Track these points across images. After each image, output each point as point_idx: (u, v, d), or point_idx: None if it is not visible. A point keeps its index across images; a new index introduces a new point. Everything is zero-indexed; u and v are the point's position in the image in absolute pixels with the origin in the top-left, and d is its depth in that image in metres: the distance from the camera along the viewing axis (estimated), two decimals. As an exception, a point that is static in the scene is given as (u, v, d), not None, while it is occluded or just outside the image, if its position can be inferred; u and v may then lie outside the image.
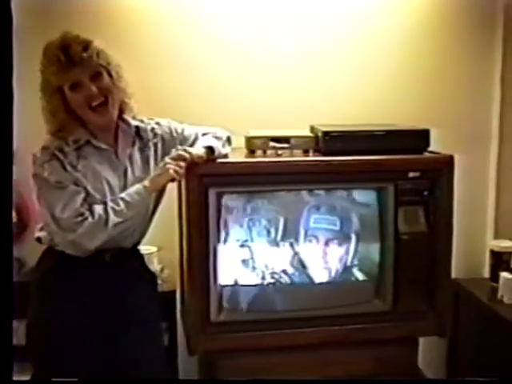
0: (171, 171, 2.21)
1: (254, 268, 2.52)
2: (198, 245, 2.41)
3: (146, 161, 2.31)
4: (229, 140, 2.50)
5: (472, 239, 3.26)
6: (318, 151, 2.59)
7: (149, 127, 2.36)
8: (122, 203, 2.18)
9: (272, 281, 2.54)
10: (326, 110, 3.00)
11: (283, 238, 2.51)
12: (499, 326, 2.85)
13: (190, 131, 2.44)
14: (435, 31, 3.16)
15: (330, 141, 2.56)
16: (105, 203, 2.18)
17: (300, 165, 2.49)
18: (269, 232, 2.50)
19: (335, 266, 2.57)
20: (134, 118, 2.34)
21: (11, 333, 1.42)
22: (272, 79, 3.03)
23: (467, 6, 3.14)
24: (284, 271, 2.55)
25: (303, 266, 2.56)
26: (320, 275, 2.57)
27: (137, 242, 2.38)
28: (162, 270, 2.90)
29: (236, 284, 2.51)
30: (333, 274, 2.58)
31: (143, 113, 2.38)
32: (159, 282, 2.65)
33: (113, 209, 2.16)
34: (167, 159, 2.24)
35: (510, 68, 3.22)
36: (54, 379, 2.18)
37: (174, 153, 2.26)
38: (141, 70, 2.78)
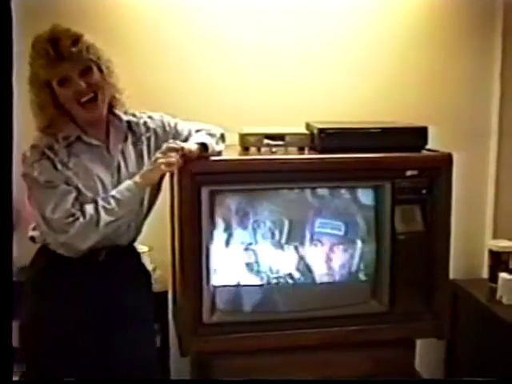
0: (162, 166, 2.20)
1: (258, 272, 2.52)
2: (191, 244, 2.40)
3: (139, 155, 2.30)
4: (223, 137, 2.49)
5: (470, 239, 3.26)
6: (313, 149, 2.58)
7: (141, 121, 2.35)
8: (112, 201, 2.16)
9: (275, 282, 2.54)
10: (321, 106, 3.00)
11: (288, 241, 2.51)
12: (498, 328, 2.85)
13: (183, 126, 2.43)
14: (434, 28, 3.16)
15: (325, 138, 2.55)
16: (96, 202, 2.16)
17: (295, 163, 2.49)
18: (273, 234, 2.50)
19: (340, 271, 2.57)
20: (125, 112, 2.32)
21: (11, 333, 1.41)
22: (267, 75, 3.03)
23: (467, 2, 3.14)
24: (290, 275, 2.55)
25: (309, 270, 2.56)
26: (324, 280, 2.57)
27: (132, 239, 2.37)
28: (153, 270, 2.88)
29: (229, 284, 2.50)
30: (337, 279, 2.58)
31: (136, 109, 2.37)
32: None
33: (104, 208, 2.15)
34: (158, 154, 2.23)
35: (510, 64, 3.22)
36: (51, 379, 2.18)
37: (164, 147, 2.25)
38: (134, 67, 2.80)
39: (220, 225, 2.45)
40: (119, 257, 2.28)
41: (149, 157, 2.30)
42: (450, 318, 2.75)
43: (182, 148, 2.25)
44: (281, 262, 2.53)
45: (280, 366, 2.52)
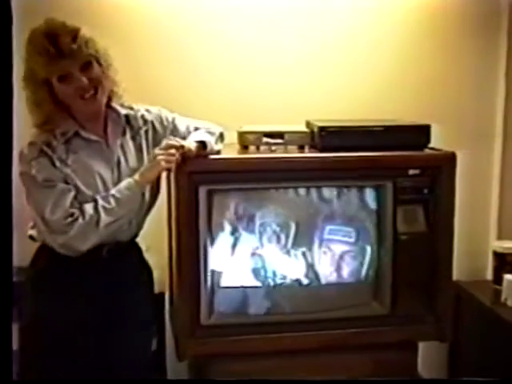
0: (162, 162, 2.19)
1: (263, 276, 2.52)
2: (188, 245, 2.39)
3: (139, 149, 2.30)
4: (222, 136, 2.49)
5: (474, 240, 3.25)
6: (313, 147, 2.57)
7: (138, 114, 2.35)
8: (112, 201, 2.16)
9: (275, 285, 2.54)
10: (322, 104, 2.98)
11: (294, 246, 2.51)
12: (503, 330, 2.84)
13: (181, 122, 2.42)
14: (437, 25, 3.14)
15: (326, 136, 2.54)
16: (95, 201, 2.16)
17: (295, 161, 2.48)
18: (279, 238, 2.50)
19: (349, 279, 2.57)
20: (122, 105, 2.32)
21: (11, 332, 1.42)
22: (266, 73, 3.02)
23: (472, 1, 3.13)
24: (297, 280, 2.55)
25: (317, 278, 2.55)
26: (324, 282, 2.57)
27: (135, 234, 2.36)
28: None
29: (228, 286, 2.49)
30: (338, 281, 2.58)
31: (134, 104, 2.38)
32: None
33: (104, 207, 2.14)
34: (157, 150, 2.22)
35: (516, 63, 3.21)
36: (51, 379, 2.18)
37: (163, 143, 2.24)
38: (134, 62, 2.80)
39: (219, 225, 2.44)
40: (121, 253, 2.28)
41: (148, 151, 2.30)
42: (453, 321, 2.74)
43: (182, 146, 2.24)
44: (287, 268, 2.53)
45: (280, 369, 2.51)
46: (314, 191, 2.51)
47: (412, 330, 2.59)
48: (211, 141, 2.38)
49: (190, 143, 2.30)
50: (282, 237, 2.50)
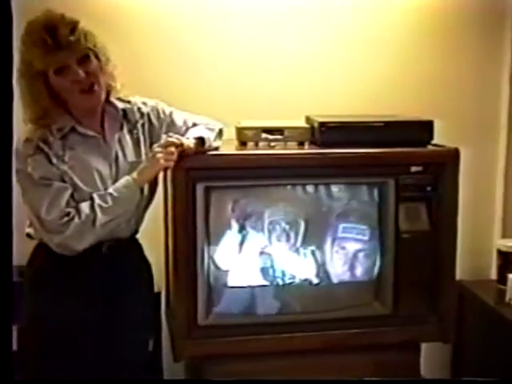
0: (162, 161, 2.19)
1: (274, 277, 2.52)
2: (185, 243, 2.39)
3: (136, 143, 2.30)
4: (221, 133, 2.47)
5: (478, 238, 3.25)
6: (313, 143, 2.56)
7: (135, 107, 2.34)
8: (109, 199, 2.15)
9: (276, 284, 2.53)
10: (322, 99, 2.98)
11: (303, 245, 2.50)
12: (507, 331, 2.83)
13: (178, 116, 2.41)
14: (440, 20, 3.13)
15: (326, 132, 2.53)
16: (92, 199, 2.15)
17: (294, 158, 2.47)
18: (288, 236, 2.49)
19: (362, 277, 2.57)
20: (119, 99, 2.31)
21: (11, 332, 1.42)
22: (266, 67, 3.02)
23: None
24: (307, 280, 2.54)
25: (328, 277, 2.55)
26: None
27: (134, 230, 2.36)
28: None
29: (225, 285, 2.49)
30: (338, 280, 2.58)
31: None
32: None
33: (100, 206, 2.14)
34: (156, 148, 2.21)
35: (520, 56, 3.20)
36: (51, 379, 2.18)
37: (163, 140, 2.23)
38: (133, 58, 2.80)
39: (218, 223, 2.43)
40: (121, 250, 2.28)
41: (145, 144, 2.30)
42: (457, 321, 2.75)
43: (182, 144, 2.23)
44: (296, 267, 2.53)
45: (280, 370, 2.49)
46: (322, 188, 2.51)
47: (414, 331, 2.59)
48: (210, 137, 2.37)
49: (189, 140, 2.29)
50: (292, 235, 2.50)
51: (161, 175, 2.46)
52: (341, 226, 2.51)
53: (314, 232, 2.51)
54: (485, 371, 2.96)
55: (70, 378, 2.18)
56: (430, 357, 2.95)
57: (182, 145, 2.23)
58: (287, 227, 2.49)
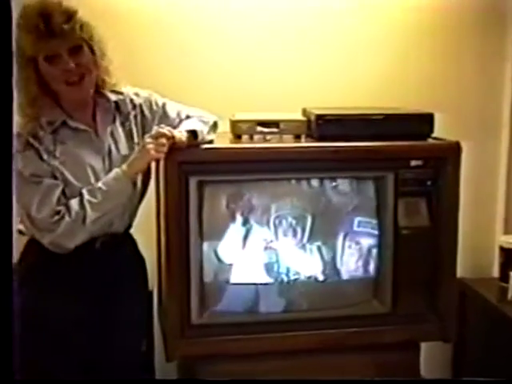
0: (152, 152, 2.18)
1: (278, 273, 2.51)
2: (178, 239, 2.37)
3: (129, 136, 2.30)
4: (215, 125, 2.46)
5: (479, 234, 3.25)
6: (310, 137, 2.56)
7: (127, 99, 2.34)
8: (99, 194, 2.15)
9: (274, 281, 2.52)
10: (320, 91, 2.97)
11: (310, 240, 2.50)
12: (509, 330, 2.83)
13: (171, 108, 2.40)
14: (442, 14, 3.11)
15: (323, 125, 2.53)
16: (81, 194, 2.14)
17: (290, 152, 2.46)
18: (295, 231, 2.48)
19: (373, 274, 2.56)
20: (112, 90, 2.30)
21: (11, 331, 1.41)
22: (261, 58, 3.00)
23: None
24: (313, 277, 2.54)
25: (337, 274, 2.55)
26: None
27: (128, 225, 2.36)
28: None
29: (220, 282, 2.48)
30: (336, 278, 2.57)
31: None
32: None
33: (90, 202, 2.13)
34: (147, 139, 2.20)
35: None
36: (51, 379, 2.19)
37: (154, 131, 2.22)
38: (127, 49, 2.78)
39: (210, 218, 2.42)
40: (115, 246, 2.29)
41: (138, 136, 2.29)
42: (458, 320, 2.75)
43: (173, 136, 2.22)
44: (302, 263, 2.52)
45: (276, 370, 2.49)
46: (328, 182, 2.51)
47: (414, 330, 2.58)
48: (203, 130, 2.35)
49: (182, 133, 2.28)
50: (299, 230, 2.49)
51: (153, 169, 2.45)
52: (356, 219, 2.51)
53: (322, 227, 2.51)
54: (487, 371, 2.96)
55: (62, 375, 2.18)
56: (431, 357, 2.96)
57: (173, 137, 2.22)
58: (294, 222, 2.48)
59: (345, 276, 2.55)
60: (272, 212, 2.47)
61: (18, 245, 2.25)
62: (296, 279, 2.53)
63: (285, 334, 2.50)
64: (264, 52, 3.00)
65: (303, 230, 2.49)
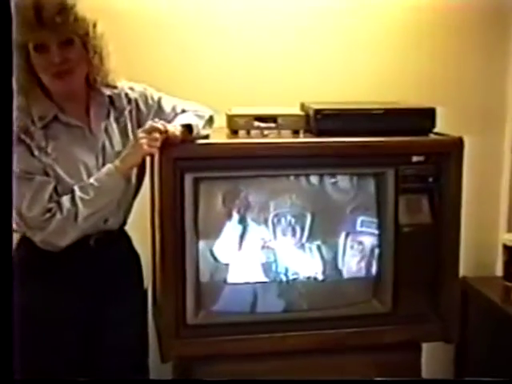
0: (145, 146, 2.17)
1: (277, 273, 2.50)
2: (173, 237, 2.37)
3: (124, 132, 2.29)
4: (211, 120, 2.45)
5: (483, 232, 3.24)
6: (308, 132, 2.55)
7: (122, 93, 2.33)
8: (91, 191, 2.14)
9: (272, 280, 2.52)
10: (318, 85, 2.97)
11: (309, 239, 2.49)
12: (513, 330, 2.83)
13: (167, 102, 2.40)
14: (442, 4, 3.10)
15: (322, 120, 2.52)
16: (72, 191, 2.14)
17: (288, 147, 2.45)
18: (294, 230, 2.48)
19: (366, 274, 2.56)
20: (106, 84, 2.29)
21: (11, 331, 1.43)
22: (259, 51, 3.00)
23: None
24: (312, 277, 2.53)
25: (339, 274, 2.54)
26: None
27: (123, 222, 2.36)
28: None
29: (216, 282, 2.47)
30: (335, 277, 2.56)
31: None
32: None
33: (81, 199, 2.13)
34: (140, 133, 2.20)
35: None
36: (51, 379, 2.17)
37: (147, 125, 2.22)
38: (122, 43, 2.74)
39: (206, 216, 2.41)
40: (109, 243, 2.29)
41: (133, 132, 2.28)
42: (460, 320, 2.74)
43: (167, 130, 2.21)
44: (301, 263, 2.51)
45: (274, 371, 2.47)
46: (327, 179, 2.49)
47: (415, 330, 2.58)
48: (198, 124, 2.34)
49: (176, 127, 2.26)
50: (298, 229, 2.48)
51: (148, 165, 2.45)
52: (359, 219, 2.50)
53: (322, 225, 2.50)
54: (490, 373, 2.95)
55: (54, 374, 2.18)
56: (432, 358, 2.95)
57: (166, 131, 2.20)
58: (293, 220, 2.47)
59: (346, 276, 2.54)
60: (271, 210, 2.46)
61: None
62: (295, 279, 2.52)
63: (283, 334, 2.49)
64: (261, 45, 3.00)
65: (302, 229, 2.47)
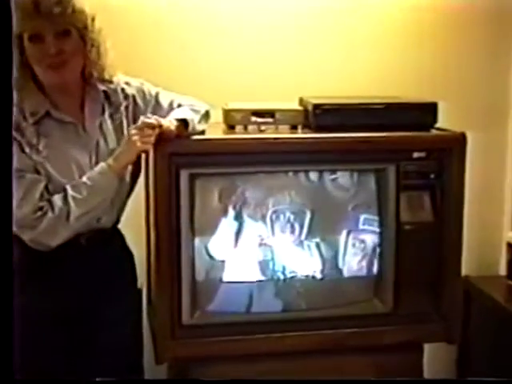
0: (138, 143, 2.16)
1: (274, 271, 2.49)
2: (168, 235, 2.35)
3: (119, 129, 2.28)
4: (207, 114, 2.44)
5: (486, 230, 3.24)
6: (307, 127, 2.54)
7: (118, 88, 2.32)
8: (84, 190, 2.13)
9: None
10: (317, 80, 2.97)
11: (308, 237, 2.48)
12: (516, 331, 2.82)
13: (164, 97, 2.39)
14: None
15: (321, 115, 2.51)
16: (65, 190, 2.13)
17: (286, 143, 2.43)
18: (293, 227, 2.47)
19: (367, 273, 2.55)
20: (101, 79, 2.28)
21: (11, 331, 1.46)
22: (256, 45, 3.00)
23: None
24: (310, 276, 2.52)
25: (339, 272, 2.53)
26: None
27: (116, 220, 2.36)
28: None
29: (212, 280, 2.46)
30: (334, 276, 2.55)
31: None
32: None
33: (74, 198, 2.12)
34: (132, 130, 2.18)
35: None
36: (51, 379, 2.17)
37: (140, 122, 2.20)
38: (119, 38, 2.74)
39: (202, 213, 2.40)
40: (102, 242, 2.28)
41: (128, 129, 2.27)
42: (462, 320, 2.77)
43: (161, 125, 2.19)
44: (299, 261, 2.50)
45: (272, 372, 2.47)
46: (327, 175, 2.49)
47: (416, 330, 2.57)
48: (194, 119, 2.33)
49: (170, 122, 2.25)
50: (297, 226, 2.47)
51: (143, 161, 2.43)
52: (362, 217, 2.49)
53: (322, 223, 2.49)
54: (493, 373, 2.95)
55: (46, 375, 2.17)
56: (434, 358, 2.95)
57: (160, 126, 2.18)
58: (292, 217, 2.46)
59: (346, 275, 2.54)
60: (269, 206, 2.45)
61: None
62: (293, 277, 2.51)
63: (281, 334, 2.48)
64: (260, 40, 3.00)
65: (301, 226, 2.47)
